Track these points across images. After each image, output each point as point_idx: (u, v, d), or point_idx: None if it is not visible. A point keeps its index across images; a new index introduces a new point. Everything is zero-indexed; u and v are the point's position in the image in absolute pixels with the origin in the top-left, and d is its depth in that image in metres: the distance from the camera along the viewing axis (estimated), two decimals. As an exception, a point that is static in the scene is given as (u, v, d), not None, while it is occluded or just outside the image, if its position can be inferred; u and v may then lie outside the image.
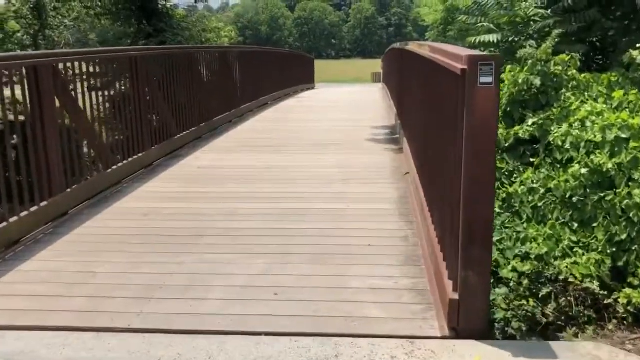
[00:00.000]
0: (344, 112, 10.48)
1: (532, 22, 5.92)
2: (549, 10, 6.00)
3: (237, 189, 4.96)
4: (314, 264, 3.22)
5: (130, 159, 5.41)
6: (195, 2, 17.85)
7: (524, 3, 5.99)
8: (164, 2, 18.05)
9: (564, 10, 6.06)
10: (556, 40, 5.12)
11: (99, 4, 17.03)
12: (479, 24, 6.28)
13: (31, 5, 17.35)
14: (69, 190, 4.30)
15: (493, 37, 5.87)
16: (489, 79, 2.22)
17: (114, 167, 5.10)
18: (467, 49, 3.24)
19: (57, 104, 4.27)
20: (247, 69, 10.71)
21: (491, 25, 6.17)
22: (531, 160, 4.51)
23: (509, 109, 4.90)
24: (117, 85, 5.71)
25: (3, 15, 16.44)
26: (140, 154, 5.60)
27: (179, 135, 6.77)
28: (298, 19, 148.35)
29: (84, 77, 4.85)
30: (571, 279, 3.44)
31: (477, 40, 5.93)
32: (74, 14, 18.73)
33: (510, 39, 5.92)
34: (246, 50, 10.76)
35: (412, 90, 5.43)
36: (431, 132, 3.61)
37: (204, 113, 7.75)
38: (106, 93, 5.42)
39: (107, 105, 5.43)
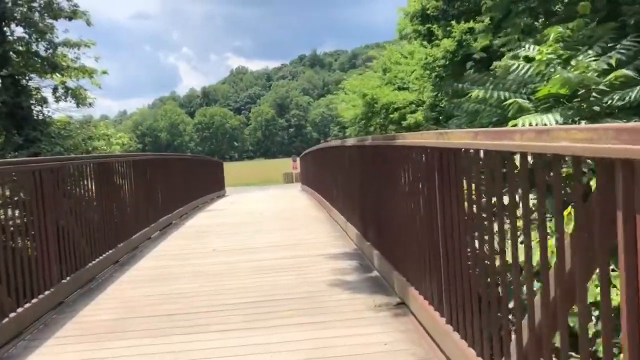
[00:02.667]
0: (274, 233, 7.89)
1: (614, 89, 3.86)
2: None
3: None
4: None
5: None
6: (78, 106, 15.05)
7: (593, 62, 3.92)
8: (39, 109, 15.15)
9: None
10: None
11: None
12: (512, 101, 4.10)
13: None
14: None
15: (551, 118, 3.69)
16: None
17: None
18: None
19: None
20: (140, 183, 8.01)
21: (525, 102, 4.05)
22: None
23: None
24: None
25: None
26: None
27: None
28: (199, 123, 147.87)
29: None
30: None
31: (525, 124, 3.73)
32: None
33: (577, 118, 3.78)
34: (138, 158, 8.07)
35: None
36: None
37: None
38: None
39: None
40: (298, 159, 36.72)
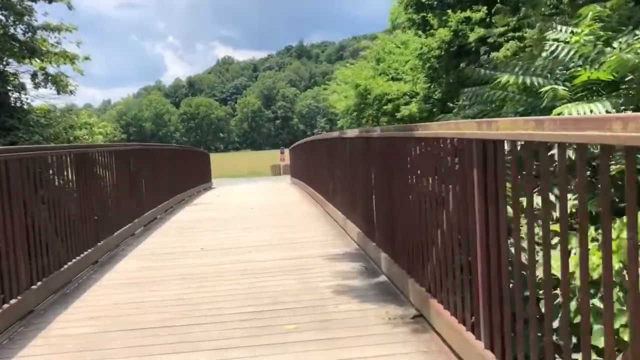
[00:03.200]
0: (266, 230, 7.38)
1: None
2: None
3: None
4: None
5: None
6: (58, 93, 14.33)
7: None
8: (17, 95, 14.39)
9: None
10: None
11: None
12: (548, 88, 3.58)
13: None
14: None
15: (600, 107, 3.19)
16: None
17: None
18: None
19: None
20: (123, 175, 7.44)
21: (563, 90, 3.56)
22: None
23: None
24: None
25: None
26: None
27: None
28: (184, 114, 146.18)
29: None
30: None
31: (572, 113, 3.24)
32: None
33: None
34: (121, 148, 7.49)
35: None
36: None
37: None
38: None
39: None
40: (286, 150, 36.25)
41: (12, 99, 14.23)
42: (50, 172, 4.99)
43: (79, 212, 5.41)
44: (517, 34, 14.55)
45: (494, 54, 14.72)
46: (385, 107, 16.50)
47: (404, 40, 18.64)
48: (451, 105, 15.57)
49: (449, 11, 15.24)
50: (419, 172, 3.46)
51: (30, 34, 14.15)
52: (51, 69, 14.75)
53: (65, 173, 5.29)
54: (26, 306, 3.99)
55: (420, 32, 15.99)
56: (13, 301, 3.81)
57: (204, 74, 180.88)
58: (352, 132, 6.01)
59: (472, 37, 14.80)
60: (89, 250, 5.51)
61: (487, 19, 15.46)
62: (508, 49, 14.27)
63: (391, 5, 20.18)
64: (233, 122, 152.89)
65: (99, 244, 5.85)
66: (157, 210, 9.16)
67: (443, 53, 15.51)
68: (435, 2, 16.84)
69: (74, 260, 5.06)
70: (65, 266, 4.84)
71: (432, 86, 17.47)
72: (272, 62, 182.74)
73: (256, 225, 7.79)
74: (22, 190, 4.17)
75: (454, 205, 2.86)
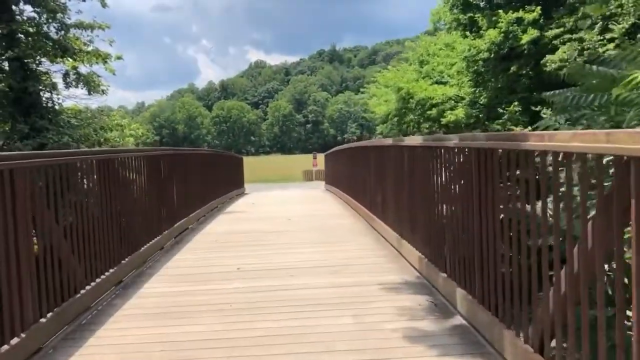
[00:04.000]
0: (308, 247, 6.63)
1: None
2: None
3: None
4: None
5: None
6: (89, 93, 13.89)
7: None
8: (49, 95, 14.01)
9: None
10: None
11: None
12: None
13: None
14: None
15: None
16: None
17: None
18: None
19: None
20: (153, 182, 6.79)
21: None
22: None
23: None
24: None
25: None
26: None
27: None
28: (216, 117, 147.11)
29: None
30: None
31: None
32: None
33: None
34: (151, 153, 6.83)
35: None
36: None
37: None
38: None
39: None
40: (319, 156, 35.59)
41: (43, 99, 13.86)
42: (62, 183, 4.33)
43: (101, 226, 4.74)
44: (574, 35, 13.57)
45: (549, 57, 13.75)
46: (429, 112, 15.63)
47: (448, 42, 17.73)
48: (501, 110, 14.64)
49: (500, 11, 14.30)
50: (534, 197, 2.64)
51: (63, 32, 13.77)
52: (83, 69, 14.36)
53: (84, 183, 4.63)
54: (32, 344, 3.31)
55: (467, 33, 15.08)
56: (14, 341, 3.13)
57: (236, 77, 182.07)
58: (413, 140, 5.22)
59: (525, 38, 13.86)
60: (112, 270, 4.84)
61: (541, 20, 14.48)
62: (565, 52, 13.27)
63: (434, 6, 19.34)
64: (264, 125, 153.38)
65: (123, 261, 5.18)
66: (190, 219, 8.51)
67: (492, 55, 14.58)
68: (484, 2, 15.91)
69: (93, 284, 4.39)
70: (83, 291, 4.17)
71: (477, 91, 16.53)
72: (303, 66, 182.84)
73: (297, 240, 7.04)
74: (32, 206, 3.50)
75: (597, 238, 2.04)
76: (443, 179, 4.23)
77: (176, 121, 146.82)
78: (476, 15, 15.34)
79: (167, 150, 7.83)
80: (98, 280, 4.53)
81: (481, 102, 16.14)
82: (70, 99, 14.43)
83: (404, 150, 5.43)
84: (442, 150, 4.16)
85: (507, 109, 14.06)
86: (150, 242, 6.20)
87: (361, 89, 28.08)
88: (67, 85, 13.70)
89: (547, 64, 13.55)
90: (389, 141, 6.41)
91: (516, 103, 13.83)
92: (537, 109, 12.23)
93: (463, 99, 16.26)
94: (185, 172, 8.77)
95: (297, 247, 6.52)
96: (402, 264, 5.43)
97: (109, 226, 4.93)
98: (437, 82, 16.75)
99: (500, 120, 14.11)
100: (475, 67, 15.47)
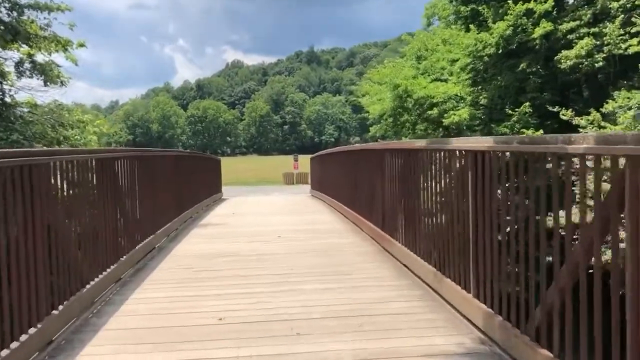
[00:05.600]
0: (310, 283, 5.10)
1: None
2: None
3: None
4: None
5: None
6: (45, 84, 12.10)
7: None
8: (-1, 86, 12.18)
9: None
10: None
11: None
12: None
13: None
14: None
15: None
16: None
17: None
18: None
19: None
20: (105, 193, 5.16)
21: None
22: None
23: None
24: None
25: None
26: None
27: None
28: (191, 116, 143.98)
29: None
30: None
31: None
32: None
33: None
34: (103, 155, 5.17)
35: None
36: None
37: None
38: None
39: None
40: (301, 157, 34.00)
41: (-9, 91, 12.04)
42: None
43: (15, 267, 3.13)
44: (592, 29, 12.28)
45: (564, 53, 12.44)
46: (429, 112, 14.17)
47: (445, 37, 16.33)
48: (510, 112, 13.27)
49: (509, 1, 12.91)
50: None
51: (15, 13, 11.97)
52: (40, 57, 12.56)
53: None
54: None
55: (472, 27, 13.67)
56: None
57: (213, 77, 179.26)
58: (470, 142, 3.71)
59: (538, 32, 12.50)
60: (34, 330, 3.23)
61: (554, 12, 13.16)
62: (583, 47, 11.97)
63: (412, 9, 17.92)
64: (241, 126, 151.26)
65: (55, 312, 3.57)
66: (157, 236, 6.90)
67: (501, 51, 13.19)
68: (488, -8, 14.51)
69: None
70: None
71: (476, 90, 15.16)
72: (281, 67, 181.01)
73: (295, 270, 5.47)
74: None
75: None
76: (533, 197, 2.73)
77: (150, 120, 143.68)
78: (480, 7, 13.96)
79: (127, 152, 6.18)
80: (6, 351, 2.93)
81: (481, 103, 14.77)
82: (25, 90, 12.61)
83: (456, 155, 3.92)
84: (495, 157, 2.65)
85: (516, 110, 12.69)
86: (101, 275, 4.58)
87: (352, 86, 26.65)
88: (20, 75, 11.89)
89: (562, 61, 12.23)
90: (420, 143, 4.89)
91: (527, 104, 12.46)
92: (556, 109, 10.90)
93: (463, 98, 14.86)
94: (152, 178, 7.14)
95: (297, 283, 4.96)
96: (448, 313, 3.93)
97: (30, 263, 3.32)
98: (436, 80, 15.34)
99: (509, 123, 12.73)
100: (477, 64, 14.09)
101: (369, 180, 7.24)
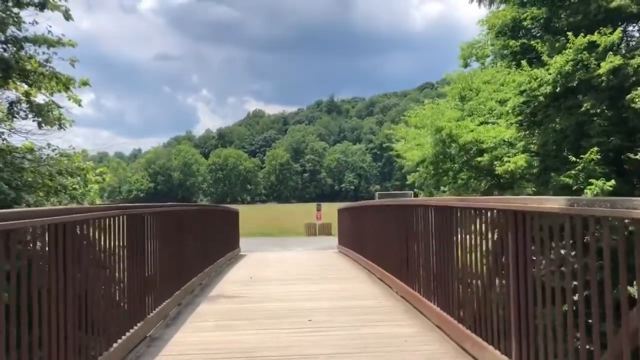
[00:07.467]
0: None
1: None
2: None
3: None
4: None
5: None
6: (40, 126, 10.65)
7: None
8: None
9: None
10: None
11: None
12: None
13: None
14: None
15: None
16: None
17: None
18: None
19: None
20: (70, 275, 3.43)
21: None
22: None
23: None
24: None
25: None
26: None
27: None
28: (212, 164, 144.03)
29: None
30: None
31: None
32: None
33: None
34: (65, 219, 3.47)
35: None
36: None
37: None
38: None
39: None
40: (324, 206, 32.29)
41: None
42: None
43: None
44: (670, 64, 10.57)
45: (635, 93, 10.72)
46: (478, 159, 12.39)
47: (487, 78, 14.73)
48: (573, 159, 11.44)
49: (570, 33, 11.28)
50: None
51: (14, 47, 10.68)
52: (40, 98, 11.18)
53: None
54: None
55: (523, 63, 12.06)
56: None
57: (234, 126, 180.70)
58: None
59: (604, 67, 10.82)
60: None
61: (621, 45, 11.49)
62: (663, 84, 10.20)
63: (461, 43, 16.48)
64: (261, 174, 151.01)
65: None
66: (150, 321, 5.12)
67: (558, 89, 11.48)
68: (541, 26, 12.92)
69: None
70: None
71: (525, 134, 13.41)
72: (302, 116, 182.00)
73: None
74: None
75: None
76: None
77: (172, 168, 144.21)
78: (533, 42, 12.33)
79: (109, 209, 4.48)
80: None
81: (533, 149, 12.98)
82: (20, 134, 11.17)
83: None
84: None
85: (582, 156, 10.87)
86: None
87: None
88: (10, 116, 10.47)
89: (636, 100, 10.46)
90: (518, 202, 3.10)
91: (595, 149, 10.64)
92: (637, 156, 9.08)
93: (512, 144, 13.10)
94: (142, 241, 5.41)
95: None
96: None
97: None
98: (484, 123, 13.64)
99: (573, 172, 10.88)
100: (531, 104, 12.38)
101: (420, 244, 5.41)
